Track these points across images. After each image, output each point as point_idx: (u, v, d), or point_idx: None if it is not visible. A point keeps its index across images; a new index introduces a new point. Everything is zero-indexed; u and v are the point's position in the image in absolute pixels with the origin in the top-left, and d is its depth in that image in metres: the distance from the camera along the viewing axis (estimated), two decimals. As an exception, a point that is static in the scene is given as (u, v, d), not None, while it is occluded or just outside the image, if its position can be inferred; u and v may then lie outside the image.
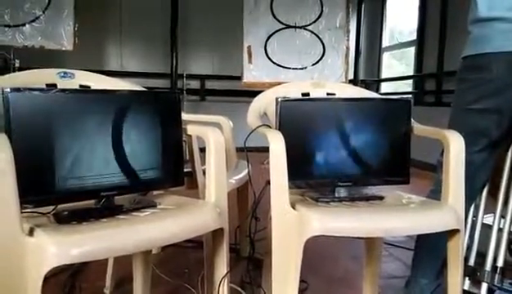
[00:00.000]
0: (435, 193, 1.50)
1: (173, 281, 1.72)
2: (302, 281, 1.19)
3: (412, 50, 5.55)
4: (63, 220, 1.04)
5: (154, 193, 1.34)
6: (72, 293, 1.64)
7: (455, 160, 1.28)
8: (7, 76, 1.23)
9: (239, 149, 1.92)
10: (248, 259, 1.67)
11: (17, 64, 4.01)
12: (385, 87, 6.47)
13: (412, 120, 1.46)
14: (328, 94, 1.56)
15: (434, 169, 1.55)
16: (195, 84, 5.90)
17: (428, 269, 1.53)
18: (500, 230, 1.56)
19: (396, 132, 1.42)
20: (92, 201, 1.14)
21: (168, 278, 1.74)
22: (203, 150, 1.31)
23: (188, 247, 2.02)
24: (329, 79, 4.37)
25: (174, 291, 1.69)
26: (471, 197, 1.51)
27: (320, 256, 2.05)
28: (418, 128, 1.47)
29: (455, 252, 1.27)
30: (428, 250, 1.54)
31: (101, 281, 1.66)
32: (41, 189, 1.04)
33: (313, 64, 4.54)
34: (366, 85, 6.24)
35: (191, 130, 1.37)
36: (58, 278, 1.67)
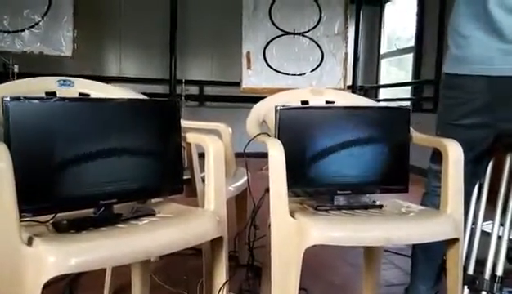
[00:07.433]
0: (427, 201, 1.50)
1: (172, 289, 1.72)
2: (301, 289, 1.18)
3: (410, 56, 5.57)
4: (62, 229, 1.04)
5: (153, 201, 1.34)
6: (70, 301, 1.63)
7: (454, 169, 1.28)
8: (7, 84, 1.23)
9: (237, 155, 1.92)
10: (247, 267, 1.66)
11: (16, 70, 4.00)
12: (383, 93, 6.48)
13: (411, 128, 1.47)
14: (327, 102, 1.57)
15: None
16: (193, 90, 5.90)
17: (427, 276, 1.54)
18: (499, 238, 1.56)
19: (395, 141, 1.42)
20: (91, 209, 1.14)
21: (166, 286, 1.73)
22: (202, 155, 1.31)
23: (187, 255, 2.00)
24: (327, 85, 4.38)
25: (173, 299, 1.69)
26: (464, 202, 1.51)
27: (319, 263, 2.05)
28: (417, 137, 1.47)
29: (455, 261, 1.27)
30: (425, 256, 1.54)
31: (98, 289, 1.65)
32: (40, 198, 1.04)
33: (312, 71, 4.55)
34: (364, 91, 6.26)
35: (191, 137, 1.37)
36: (55, 286, 1.66)
